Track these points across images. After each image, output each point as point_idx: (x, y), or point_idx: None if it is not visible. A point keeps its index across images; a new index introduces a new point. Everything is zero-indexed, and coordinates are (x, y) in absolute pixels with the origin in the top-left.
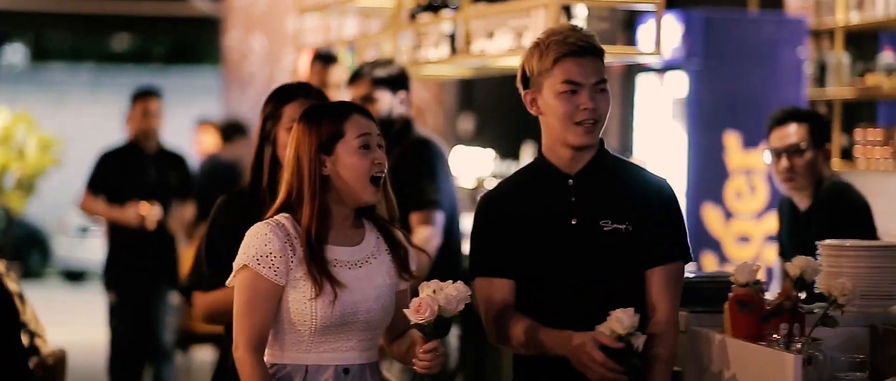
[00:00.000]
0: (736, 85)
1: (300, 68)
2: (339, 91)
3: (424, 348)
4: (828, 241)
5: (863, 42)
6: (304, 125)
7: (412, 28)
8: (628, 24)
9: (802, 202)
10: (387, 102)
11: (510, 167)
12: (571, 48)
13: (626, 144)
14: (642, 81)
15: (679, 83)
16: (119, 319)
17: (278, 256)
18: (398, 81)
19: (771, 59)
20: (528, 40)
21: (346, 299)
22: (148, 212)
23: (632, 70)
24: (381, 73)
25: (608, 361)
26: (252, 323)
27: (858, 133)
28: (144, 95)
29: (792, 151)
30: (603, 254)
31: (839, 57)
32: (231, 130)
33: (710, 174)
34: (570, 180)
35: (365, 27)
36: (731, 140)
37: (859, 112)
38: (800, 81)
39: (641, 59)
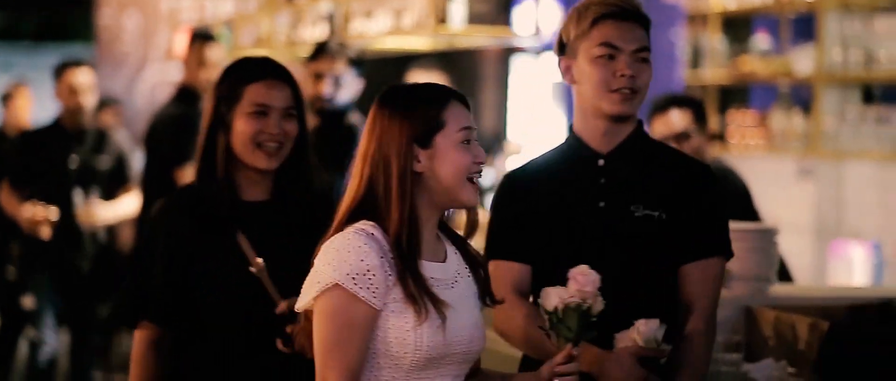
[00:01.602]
0: None
1: (177, 47)
2: (217, 71)
3: (564, 354)
4: None
5: (737, 26)
6: (391, 111)
7: (290, 8)
8: (506, 5)
9: None
10: (355, 84)
11: None
12: (612, 10)
13: (501, 128)
14: (519, 63)
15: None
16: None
17: (377, 273)
18: (360, 64)
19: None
20: (408, 21)
21: (453, 324)
22: (41, 216)
23: (507, 53)
24: (350, 53)
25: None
26: (347, 358)
27: (732, 116)
28: (69, 67)
29: (680, 138)
30: (631, 242)
31: (714, 41)
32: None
33: None
34: (601, 161)
35: (241, 6)
36: None
37: (734, 96)
38: (675, 65)
39: (519, 42)
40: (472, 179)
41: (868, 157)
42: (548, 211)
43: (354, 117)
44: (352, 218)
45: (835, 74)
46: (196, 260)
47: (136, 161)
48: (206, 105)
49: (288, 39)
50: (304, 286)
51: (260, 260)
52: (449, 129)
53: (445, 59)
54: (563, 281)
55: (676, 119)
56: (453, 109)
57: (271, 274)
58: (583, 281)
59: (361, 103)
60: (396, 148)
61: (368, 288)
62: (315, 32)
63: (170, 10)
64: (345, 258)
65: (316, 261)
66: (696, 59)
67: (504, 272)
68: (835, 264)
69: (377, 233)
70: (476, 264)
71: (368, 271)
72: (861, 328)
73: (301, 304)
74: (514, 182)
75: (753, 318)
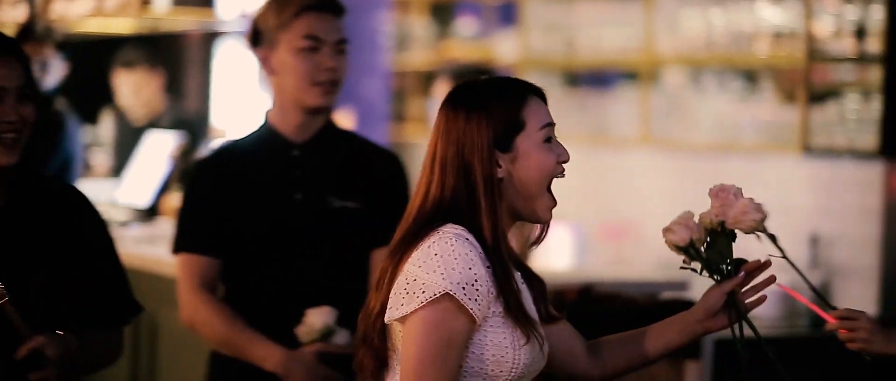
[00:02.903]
0: None
1: None
2: None
3: (735, 283)
4: None
5: (442, 11)
6: (467, 112)
7: None
8: None
9: None
10: (60, 69)
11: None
12: (313, 2)
13: (205, 113)
14: (223, 47)
15: None
16: None
17: (483, 285)
18: (65, 48)
19: (351, 27)
20: (111, 3)
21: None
22: None
23: (211, 37)
24: (57, 37)
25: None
26: (444, 375)
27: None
28: None
29: None
30: (330, 234)
31: (419, 26)
32: None
33: None
34: (296, 151)
35: None
36: None
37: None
38: (380, 51)
39: (224, 26)
40: (550, 188)
41: (570, 141)
42: (241, 203)
43: (60, 104)
44: (430, 222)
45: (537, 60)
46: None
47: None
48: None
49: None
50: (395, 296)
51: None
52: (530, 128)
53: (150, 42)
54: (256, 274)
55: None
56: (532, 106)
57: (15, 302)
58: (725, 197)
59: (66, 89)
60: (479, 153)
61: (476, 300)
62: (14, 14)
63: None
64: (453, 266)
65: (409, 267)
66: (401, 44)
67: (192, 266)
68: (536, 247)
69: (472, 240)
70: (532, 276)
71: (476, 281)
72: (562, 311)
73: (394, 315)
74: (204, 172)
75: None
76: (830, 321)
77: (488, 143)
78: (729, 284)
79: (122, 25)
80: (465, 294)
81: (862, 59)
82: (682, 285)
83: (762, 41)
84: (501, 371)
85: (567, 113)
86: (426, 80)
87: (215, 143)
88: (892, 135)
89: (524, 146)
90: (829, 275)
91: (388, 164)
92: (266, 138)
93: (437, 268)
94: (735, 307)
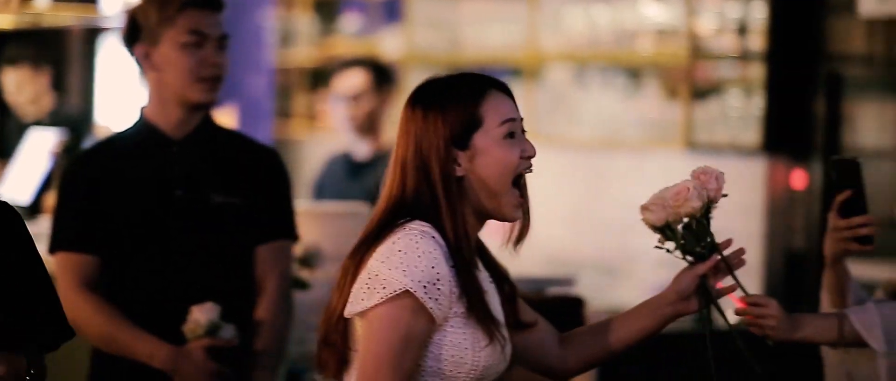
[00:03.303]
0: None
1: None
2: None
3: (708, 265)
4: (306, 206)
5: (326, 7)
6: (424, 111)
7: None
8: None
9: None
10: None
11: None
12: None
13: (89, 110)
14: (106, 43)
15: None
16: None
17: (445, 284)
18: None
19: (235, 23)
20: None
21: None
22: None
23: (94, 33)
24: None
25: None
26: (400, 374)
27: (323, 97)
28: None
29: (357, 99)
30: (210, 230)
31: (303, 22)
32: None
33: None
34: (176, 147)
35: None
36: None
37: (324, 77)
38: (264, 47)
39: (106, 22)
40: (518, 184)
41: None
42: (119, 200)
43: None
44: (395, 219)
45: (422, 56)
46: None
47: None
48: None
49: None
50: (357, 291)
51: None
52: (488, 125)
53: (32, 38)
54: (137, 272)
55: (352, 80)
56: (491, 102)
57: None
58: (706, 179)
59: None
60: (436, 152)
61: (436, 299)
62: None
63: None
64: (415, 263)
65: (372, 262)
66: (285, 40)
67: (70, 265)
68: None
69: (438, 238)
70: (502, 277)
71: (439, 280)
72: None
73: (353, 310)
74: (78, 169)
75: None
76: (740, 305)
77: (445, 141)
78: (702, 266)
79: (1, 20)
80: (425, 293)
81: (744, 56)
82: (568, 282)
83: (645, 39)
84: (460, 372)
85: None
86: (311, 76)
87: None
88: (775, 131)
89: (482, 143)
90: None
91: (269, 160)
92: (144, 134)
93: (400, 265)
94: (705, 292)
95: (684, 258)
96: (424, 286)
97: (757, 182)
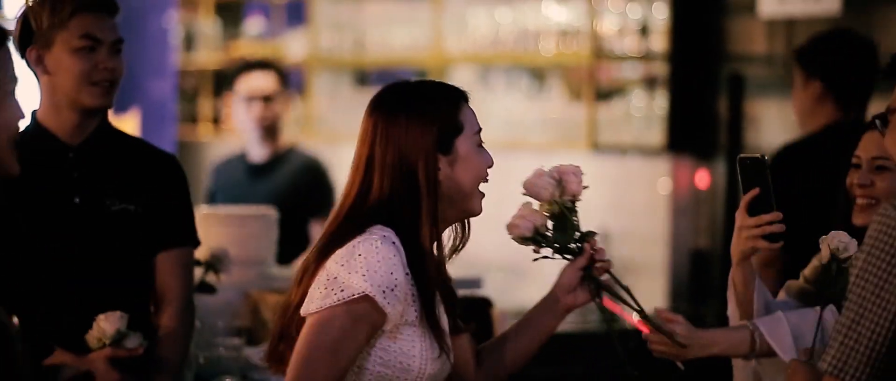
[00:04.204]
0: None
1: None
2: None
3: (586, 257)
4: (212, 210)
5: (230, 10)
6: (408, 115)
7: None
8: None
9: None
10: None
11: None
12: (90, 2)
13: None
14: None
15: None
16: None
17: (400, 290)
18: None
19: (137, 26)
20: None
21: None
22: None
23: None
24: None
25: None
26: (334, 372)
27: (227, 101)
28: None
29: (266, 100)
30: (109, 238)
31: (207, 25)
32: None
33: None
34: (71, 153)
35: None
36: None
37: (228, 80)
38: (168, 50)
39: (7, 24)
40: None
41: None
42: (14, 207)
43: None
44: (360, 223)
45: (326, 58)
46: None
47: None
48: None
49: None
50: (313, 291)
51: None
52: (467, 131)
53: None
54: (37, 276)
55: (262, 82)
56: (466, 110)
57: None
58: (571, 178)
59: None
60: (424, 156)
61: (393, 305)
62: None
63: None
64: (375, 268)
65: (332, 265)
66: (188, 44)
67: None
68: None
69: (398, 244)
70: (446, 287)
71: (396, 286)
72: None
73: (308, 309)
74: None
75: (254, 302)
76: (644, 330)
77: (433, 145)
78: (580, 259)
79: None
80: (384, 297)
81: (646, 56)
82: (475, 282)
83: (548, 40)
84: (405, 379)
85: (357, 112)
86: (216, 79)
87: None
88: (678, 131)
89: (463, 149)
90: (618, 270)
91: (166, 165)
92: (37, 139)
93: (360, 269)
94: (593, 281)
95: (563, 258)
96: (383, 291)
97: (661, 182)
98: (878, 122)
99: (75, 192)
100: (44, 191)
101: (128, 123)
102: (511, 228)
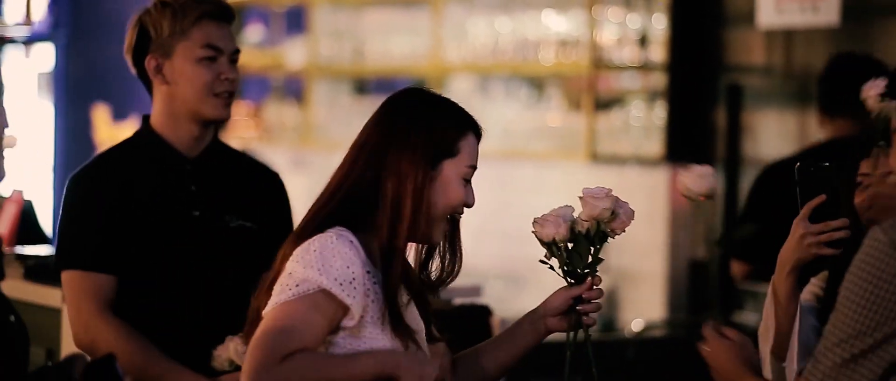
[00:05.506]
0: (104, 57)
1: None
2: None
3: (586, 286)
4: None
5: None
6: (412, 120)
7: None
8: None
9: None
10: None
11: None
12: (213, 10)
13: None
14: (7, 53)
15: (45, 56)
16: None
17: (360, 284)
18: None
19: None
20: None
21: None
22: None
23: None
24: None
25: None
26: (289, 351)
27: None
28: None
29: None
30: (228, 254)
31: None
32: None
33: (77, 149)
34: (189, 165)
35: None
36: (100, 113)
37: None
38: None
39: (7, 32)
40: (453, 217)
41: None
42: (135, 218)
43: None
44: (327, 222)
45: (326, 67)
46: None
47: None
48: None
49: None
50: (275, 287)
51: None
52: (459, 160)
53: None
54: (154, 296)
55: None
56: (470, 140)
57: None
58: (623, 216)
59: None
60: (416, 164)
61: (354, 297)
62: None
63: None
64: (330, 262)
65: (289, 263)
66: None
67: (85, 284)
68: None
69: (357, 243)
70: (420, 294)
71: (354, 279)
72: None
73: (268, 306)
74: (86, 183)
75: None
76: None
77: (425, 156)
78: (576, 289)
79: None
80: (341, 289)
81: (645, 66)
82: (475, 291)
83: (548, 49)
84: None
85: (356, 121)
86: None
87: (13, 151)
88: (676, 141)
89: (448, 172)
90: (616, 280)
91: (274, 182)
92: (154, 149)
93: (314, 263)
94: (574, 314)
95: (565, 278)
96: (340, 284)
97: (660, 192)
98: (882, 143)
99: (194, 205)
100: (162, 201)
101: (127, 130)
102: (539, 221)
